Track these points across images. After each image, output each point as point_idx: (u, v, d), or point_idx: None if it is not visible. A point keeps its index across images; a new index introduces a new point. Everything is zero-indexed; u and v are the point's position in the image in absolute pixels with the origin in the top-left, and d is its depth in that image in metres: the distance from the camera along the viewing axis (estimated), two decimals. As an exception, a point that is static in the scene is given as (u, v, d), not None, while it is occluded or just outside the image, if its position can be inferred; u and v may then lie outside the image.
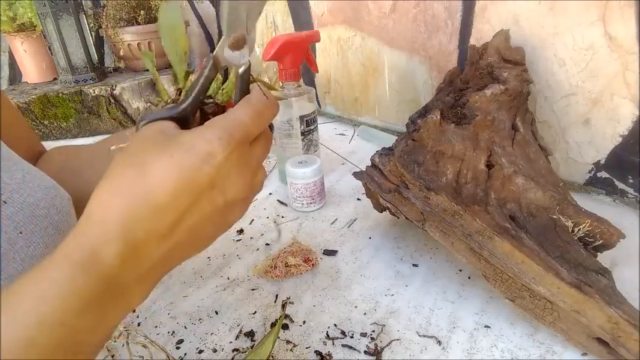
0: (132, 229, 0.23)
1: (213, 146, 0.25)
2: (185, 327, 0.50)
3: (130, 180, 0.24)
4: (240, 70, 0.29)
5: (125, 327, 0.49)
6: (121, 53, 1.40)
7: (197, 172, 0.24)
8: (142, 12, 1.36)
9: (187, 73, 0.38)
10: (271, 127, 0.32)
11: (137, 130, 0.28)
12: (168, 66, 1.46)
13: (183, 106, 0.28)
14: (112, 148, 0.41)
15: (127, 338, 0.44)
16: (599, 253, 0.48)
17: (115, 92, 1.28)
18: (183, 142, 0.25)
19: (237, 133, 0.26)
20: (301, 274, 0.57)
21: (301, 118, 0.75)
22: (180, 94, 0.37)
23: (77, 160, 0.50)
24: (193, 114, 0.29)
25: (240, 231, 0.69)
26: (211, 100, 0.36)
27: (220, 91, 0.38)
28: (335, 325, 0.48)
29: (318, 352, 0.44)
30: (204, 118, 0.31)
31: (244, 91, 0.29)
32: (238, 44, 0.29)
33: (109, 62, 1.67)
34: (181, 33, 0.36)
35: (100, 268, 0.23)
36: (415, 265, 0.57)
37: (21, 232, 0.32)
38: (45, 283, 0.22)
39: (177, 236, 0.25)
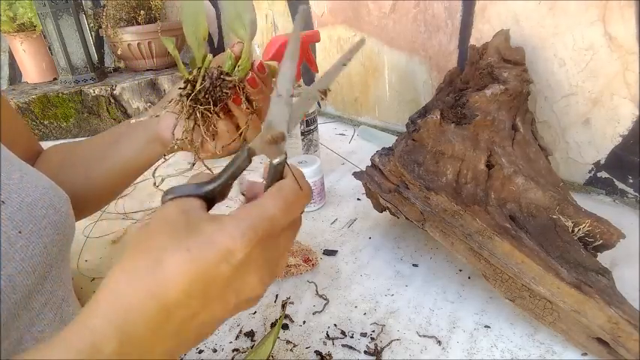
0: (137, 326, 0.22)
1: (234, 243, 0.23)
2: (185, 327, 0.50)
3: (142, 271, 0.23)
4: (275, 162, 0.27)
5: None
6: (120, 53, 1.40)
7: (214, 271, 0.23)
8: (142, 12, 1.36)
9: (205, 56, 0.39)
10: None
11: (162, 202, 0.26)
12: (169, 66, 1.47)
13: (212, 186, 0.27)
14: (132, 121, 0.41)
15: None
16: (599, 253, 0.48)
17: (115, 92, 1.28)
18: (203, 234, 0.23)
19: (263, 229, 0.24)
20: (301, 274, 0.57)
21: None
22: (199, 73, 0.37)
23: (75, 156, 0.50)
24: (222, 197, 0.28)
25: (240, 231, 0.69)
26: (229, 79, 0.36)
27: (237, 67, 0.39)
28: (335, 325, 0.48)
29: (318, 352, 0.44)
30: (218, 103, 0.32)
31: (277, 179, 0.28)
32: (277, 141, 0.28)
33: (109, 62, 1.67)
34: (203, 20, 0.38)
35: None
36: (415, 265, 0.57)
37: (20, 232, 0.32)
38: None
39: (185, 334, 0.24)
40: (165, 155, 0.44)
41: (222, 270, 0.23)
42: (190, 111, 0.38)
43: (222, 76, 0.38)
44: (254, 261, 0.24)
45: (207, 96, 0.38)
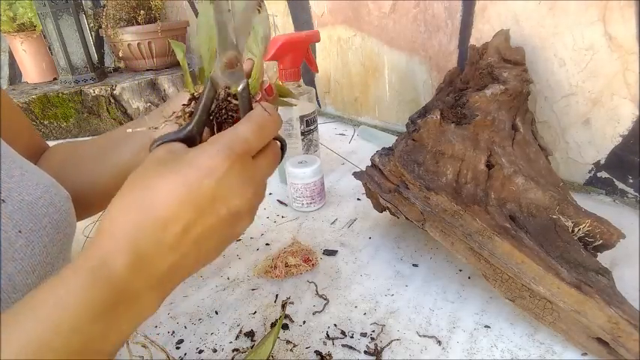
0: (139, 241, 0.25)
1: (214, 161, 0.26)
2: (185, 327, 0.50)
3: (137, 196, 0.26)
4: (239, 89, 0.30)
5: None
6: (121, 54, 1.40)
7: (199, 186, 0.25)
8: (142, 12, 1.36)
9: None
10: (283, 145, 0.33)
11: (150, 151, 0.29)
12: (169, 66, 1.47)
13: (189, 127, 0.30)
14: (129, 130, 0.42)
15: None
16: (599, 253, 0.48)
17: (115, 92, 1.28)
18: (186, 159, 0.26)
19: (238, 147, 0.27)
20: (301, 274, 0.57)
21: (301, 118, 0.75)
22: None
23: (79, 155, 0.50)
24: (200, 134, 0.30)
25: (240, 231, 0.69)
26: (235, 102, 0.37)
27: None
28: (335, 325, 0.48)
29: (318, 352, 0.44)
30: (220, 128, 0.33)
31: (247, 108, 0.30)
32: (231, 64, 0.30)
33: (109, 62, 1.67)
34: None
35: (110, 277, 0.24)
36: (415, 265, 0.57)
37: (20, 231, 0.32)
38: (61, 290, 0.23)
39: (184, 247, 0.26)
40: None
41: (206, 184, 0.25)
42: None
43: (229, 98, 0.38)
44: (235, 175, 0.27)
45: (211, 117, 0.38)
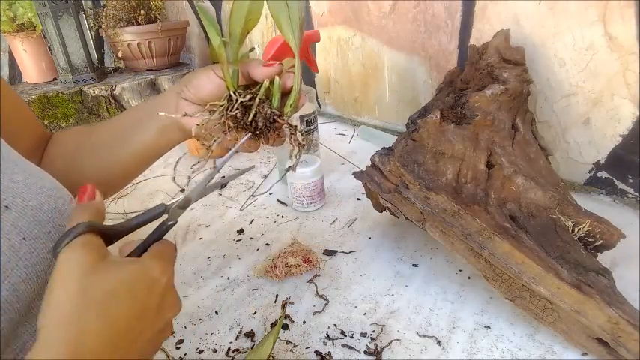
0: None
1: (155, 275, 0.29)
2: (185, 327, 0.50)
3: (91, 315, 0.25)
4: (169, 223, 0.34)
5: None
6: (121, 54, 1.40)
7: (147, 300, 0.28)
8: (142, 12, 1.36)
9: (244, 54, 0.40)
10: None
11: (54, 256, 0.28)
12: (169, 66, 1.47)
13: (138, 245, 0.33)
14: (161, 114, 0.42)
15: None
16: (599, 253, 0.48)
17: (115, 92, 1.28)
18: (130, 275, 0.28)
19: (172, 262, 0.32)
20: (301, 274, 0.57)
21: (301, 118, 0.75)
22: (250, 100, 0.39)
23: (94, 139, 0.49)
24: (118, 237, 0.33)
25: (240, 231, 0.69)
26: (281, 122, 0.40)
27: (289, 104, 0.40)
28: (335, 325, 0.48)
29: (318, 352, 0.44)
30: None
31: (159, 237, 0.34)
32: (184, 207, 0.35)
33: (109, 62, 1.67)
34: (257, 11, 0.37)
35: None
36: (415, 265, 0.57)
37: (24, 238, 0.31)
38: None
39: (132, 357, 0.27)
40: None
41: (152, 298, 0.29)
42: (227, 127, 0.39)
43: (274, 116, 0.39)
44: (171, 287, 0.32)
45: (252, 123, 0.39)
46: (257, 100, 0.38)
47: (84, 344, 0.25)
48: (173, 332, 0.35)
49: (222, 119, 0.39)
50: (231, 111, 0.38)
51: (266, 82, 0.39)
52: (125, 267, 0.28)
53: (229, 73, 0.39)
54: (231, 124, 0.39)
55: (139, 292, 0.27)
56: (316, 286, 0.54)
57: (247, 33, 0.39)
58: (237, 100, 0.38)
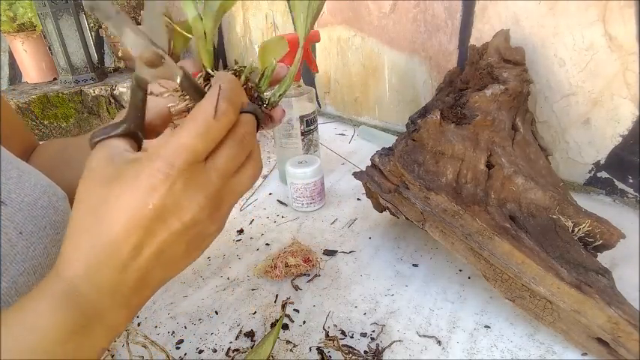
0: (99, 266, 0.25)
1: (153, 180, 0.25)
2: (185, 327, 0.50)
3: (88, 222, 0.26)
4: (178, 81, 0.28)
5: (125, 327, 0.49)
6: (121, 54, 1.40)
7: (143, 209, 0.25)
8: (142, 12, 1.36)
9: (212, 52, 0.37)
10: (256, 114, 0.29)
11: (90, 144, 0.28)
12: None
13: (124, 126, 0.28)
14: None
15: (127, 338, 0.44)
16: (599, 253, 0.48)
17: (115, 92, 1.28)
18: (127, 178, 0.25)
19: (180, 161, 0.25)
20: (301, 274, 0.57)
21: (301, 118, 0.75)
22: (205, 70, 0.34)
23: (69, 151, 0.50)
24: (141, 129, 0.29)
25: (240, 231, 0.69)
26: (262, 110, 0.33)
27: (275, 94, 0.36)
28: (335, 325, 0.48)
29: (318, 352, 0.44)
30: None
31: (197, 96, 0.28)
32: (153, 62, 0.27)
33: (109, 62, 1.67)
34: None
35: (76, 300, 0.25)
36: (415, 265, 0.57)
37: (21, 233, 0.32)
38: (32, 315, 0.24)
39: (143, 265, 0.26)
40: None
41: (149, 206, 0.25)
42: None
43: (259, 101, 0.34)
44: (180, 190, 0.25)
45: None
46: (244, 76, 0.34)
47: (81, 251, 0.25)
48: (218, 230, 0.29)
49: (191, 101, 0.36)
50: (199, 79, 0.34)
51: (253, 64, 0.35)
52: (123, 174, 0.26)
53: (206, 49, 0.36)
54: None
55: (130, 200, 0.25)
56: (316, 286, 0.54)
57: (224, 11, 0.36)
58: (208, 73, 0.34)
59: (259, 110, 0.30)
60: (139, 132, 0.29)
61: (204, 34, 0.35)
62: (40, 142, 0.54)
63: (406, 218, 0.50)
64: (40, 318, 0.24)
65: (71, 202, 0.41)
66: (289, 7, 1.17)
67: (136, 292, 0.27)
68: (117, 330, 0.27)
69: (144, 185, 0.25)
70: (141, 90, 0.28)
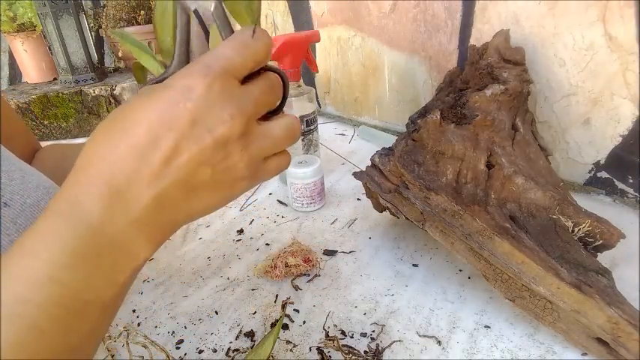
0: (113, 173, 0.22)
1: (189, 80, 0.23)
2: (185, 327, 0.50)
3: (111, 127, 0.23)
4: (212, 10, 0.28)
5: (125, 327, 0.49)
6: (121, 54, 1.40)
7: (174, 107, 0.23)
8: (142, 12, 1.36)
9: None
10: (283, 76, 0.30)
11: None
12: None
13: (173, 65, 0.28)
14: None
15: (127, 338, 0.44)
16: (599, 253, 0.48)
17: (115, 92, 1.28)
18: (163, 84, 0.24)
19: (217, 65, 0.24)
20: (301, 274, 0.57)
21: (301, 118, 0.75)
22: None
23: (70, 159, 0.50)
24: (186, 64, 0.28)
25: (240, 231, 0.69)
26: None
27: None
28: (335, 325, 0.48)
29: (318, 352, 0.44)
30: None
31: (227, 30, 0.28)
32: None
33: (109, 62, 1.67)
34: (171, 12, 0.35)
35: (84, 217, 0.21)
36: (415, 265, 0.57)
37: None
38: (33, 237, 0.21)
39: (166, 177, 0.23)
40: None
41: (182, 106, 0.23)
42: None
43: None
44: (217, 94, 0.24)
45: None
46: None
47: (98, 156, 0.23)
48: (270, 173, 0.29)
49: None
50: None
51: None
52: (161, 84, 0.24)
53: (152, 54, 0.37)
54: None
55: (163, 98, 0.23)
56: (316, 286, 0.54)
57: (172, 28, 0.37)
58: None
59: (285, 73, 0.30)
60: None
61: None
62: (41, 143, 0.54)
63: (406, 218, 0.50)
64: (41, 239, 0.21)
65: None
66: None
67: (153, 215, 0.23)
68: (136, 259, 0.24)
69: (178, 85, 0.23)
70: (185, 15, 0.28)
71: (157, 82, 0.27)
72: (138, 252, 0.23)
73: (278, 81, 0.29)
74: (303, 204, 0.72)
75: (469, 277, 0.53)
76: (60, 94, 1.23)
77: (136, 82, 1.30)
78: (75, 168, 0.23)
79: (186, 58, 0.28)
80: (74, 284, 0.21)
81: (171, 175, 0.23)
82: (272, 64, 0.32)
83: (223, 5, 0.28)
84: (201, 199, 0.25)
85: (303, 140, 0.77)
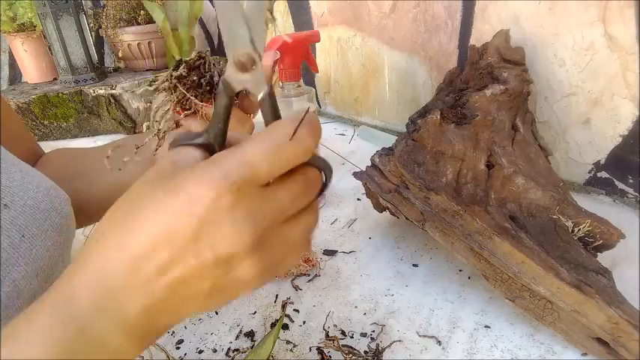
0: (109, 275, 0.22)
1: (200, 189, 0.21)
2: (185, 327, 0.50)
3: (118, 224, 0.22)
4: (259, 97, 0.24)
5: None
6: (121, 54, 1.40)
7: (177, 220, 0.21)
8: (142, 12, 1.36)
9: (192, 38, 0.36)
10: (327, 175, 0.26)
11: (169, 149, 0.25)
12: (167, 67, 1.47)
13: (204, 136, 0.25)
14: (107, 156, 0.37)
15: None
16: (599, 253, 0.48)
17: (115, 92, 1.28)
18: (174, 181, 0.22)
19: (238, 175, 0.21)
20: (301, 274, 0.57)
21: (301, 118, 0.75)
22: (198, 61, 0.34)
23: (78, 165, 0.49)
24: (220, 144, 0.25)
25: (240, 231, 0.69)
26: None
27: None
28: (335, 325, 0.48)
29: (318, 352, 0.44)
30: None
31: (271, 118, 0.24)
32: (244, 65, 0.23)
33: (109, 62, 1.67)
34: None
35: (74, 314, 0.21)
36: (415, 265, 0.57)
37: (23, 236, 0.32)
38: (30, 327, 0.22)
39: (158, 291, 0.22)
40: None
41: (186, 220, 0.21)
42: (183, 98, 0.36)
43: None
44: (227, 210, 0.21)
45: (195, 88, 0.35)
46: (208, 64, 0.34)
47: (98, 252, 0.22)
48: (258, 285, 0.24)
49: (174, 89, 0.35)
50: (176, 71, 0.34)
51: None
52: (175, 176, 0.22)
53: (173, 41, 0.36)
54: (185, 90, 0.34)
55: (167, 206, 0.21)
56: (316, 286, 0.54)
57: (196, 18, 0.37)
58: (181, 60, 0.34)
59: (330, 167, 0.26)
60: (218, 145, 0.25)
61: (173, 34, 0.35)
62: (41, 143, 0.54)
63: (406, 218, 0.50)
64: (38, 331, 0.21)
65: (77, 212, 0.41)
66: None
67: (142, 322, 0.23)
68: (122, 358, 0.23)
69: (189, 192, 0.21)
70: (226, 96, 0.24)
71: (189, 144, 0.24)
72: (125, 353, 0.23)
73: (317, 178, 0.25)
74: (303, 204, 0.72)
75: (469, 277, 0.53)
76: (60, 94, 1.23)
77: (136, 83, 1.30)
78: (78, 259, 0.23)
79: (223, 136, 0.25)
80: None
81: (163, 290, 0.22)
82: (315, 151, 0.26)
83: (275, 96, 0.25)
84: (198, 306, 0.24)
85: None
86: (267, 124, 0.24)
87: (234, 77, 0.24)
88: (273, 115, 0.24)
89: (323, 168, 0.25)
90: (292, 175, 0.23)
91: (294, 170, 0.23)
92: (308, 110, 0.23)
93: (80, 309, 0.21)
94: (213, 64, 0.35)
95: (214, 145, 0.24)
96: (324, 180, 0.26)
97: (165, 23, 0.36)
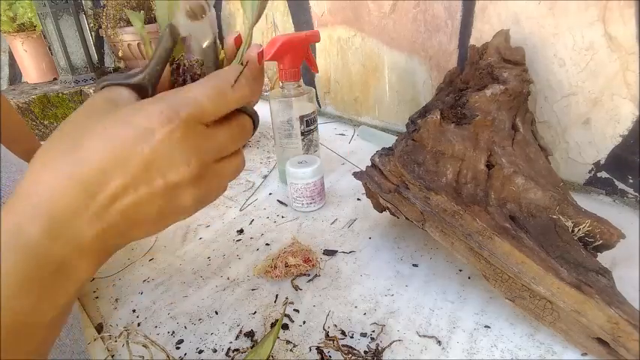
0: (57, 204, 0.22)
1: (152, 122, 0.22)
2: (185, 327, 0.50)
3: (61, 152, 0.23)
4: (204, 45, 0.26)
5: (125, 327, 0.49)
6: (121, 54, 1.40)
7: (130, 149, 0.22)
8: (142, 12, 1.36)
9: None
10: (254, 120, 0.29)
11: (95, 91, 0.26)
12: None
13: (140, 76, 0.26)
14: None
15: (127, 338, 0.44)
16: (599, 253, 0.48)
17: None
18: (122, 115, 0.23)
19: (184, 111, 0.23)
20: (301, 274, 0.57)
21: (301, 118, 0.75)
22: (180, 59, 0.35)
23: None
24: (154, 87, 0.27)
25: (240, 231, 0.69)
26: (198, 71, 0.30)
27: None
28: (335, 325, 0.48)
29: (318, 352, 0.44)
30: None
31: (210, 70, 0.27)
32: (195, 13, 0.26)
33: (109, 62, 1.67)
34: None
35: (27, 245, 0.21)
36: (415, 265, 0.57)
37: None
38: None
39: (110, 217, 0.23)
40: None
41: (139, 149, 0.22)
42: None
43: (194, 65, 0.32)
44: (177, 142, 0.23)
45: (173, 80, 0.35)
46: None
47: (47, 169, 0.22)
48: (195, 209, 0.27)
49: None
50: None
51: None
52: (119, 110, 0.23)
53: (149, 47, 0.36)
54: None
55: (118, 136, 0.22)
56: (316, 286, 0.54)
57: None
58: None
59: (258, 115, 0.29)
60: (151, 88, 0.27)
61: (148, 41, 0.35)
62: (42, 143, 0.54)
63: (406, 218, 0.50)
64: None
65: None
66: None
67: (96, 245, 0.24)
68: (78, 282, 0.24)
69: (141, 124, 0.22)
70: (171, 39, 0.26)
71: (119, 84, 0.26)
72: (80, 275, 0.24)
73: (250, 126, 0.28)
74: (303, 204, 0.72)
75: (469, 277, 0.53)
76: (60, 94, 1.23)
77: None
78: (18, 193, 0.22)
79: (157, 78, 0.27)
80: (23, 310, 0.21)
81: (115, 216, 0.23)
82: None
83: (217, 44, 0.27)
84: (146, 230, 0.26)
85: (303, 140, 0.77)
86: (208, 70, 0.27)
87: (183, 23, 0.26)
88: (215, 63, 0.27)
89: (252, 115, 0.28)
90: (230, 119, 0.26)
91: (230, 115, 0.26)
92: (248, 62, 0.26)
93: (30, 238, 0.21)
94: (187, 68, 0.35)
95: (147, 86, 0.26)
96: (254, 122, 0.29)
97: (143, 30, 0.36)
